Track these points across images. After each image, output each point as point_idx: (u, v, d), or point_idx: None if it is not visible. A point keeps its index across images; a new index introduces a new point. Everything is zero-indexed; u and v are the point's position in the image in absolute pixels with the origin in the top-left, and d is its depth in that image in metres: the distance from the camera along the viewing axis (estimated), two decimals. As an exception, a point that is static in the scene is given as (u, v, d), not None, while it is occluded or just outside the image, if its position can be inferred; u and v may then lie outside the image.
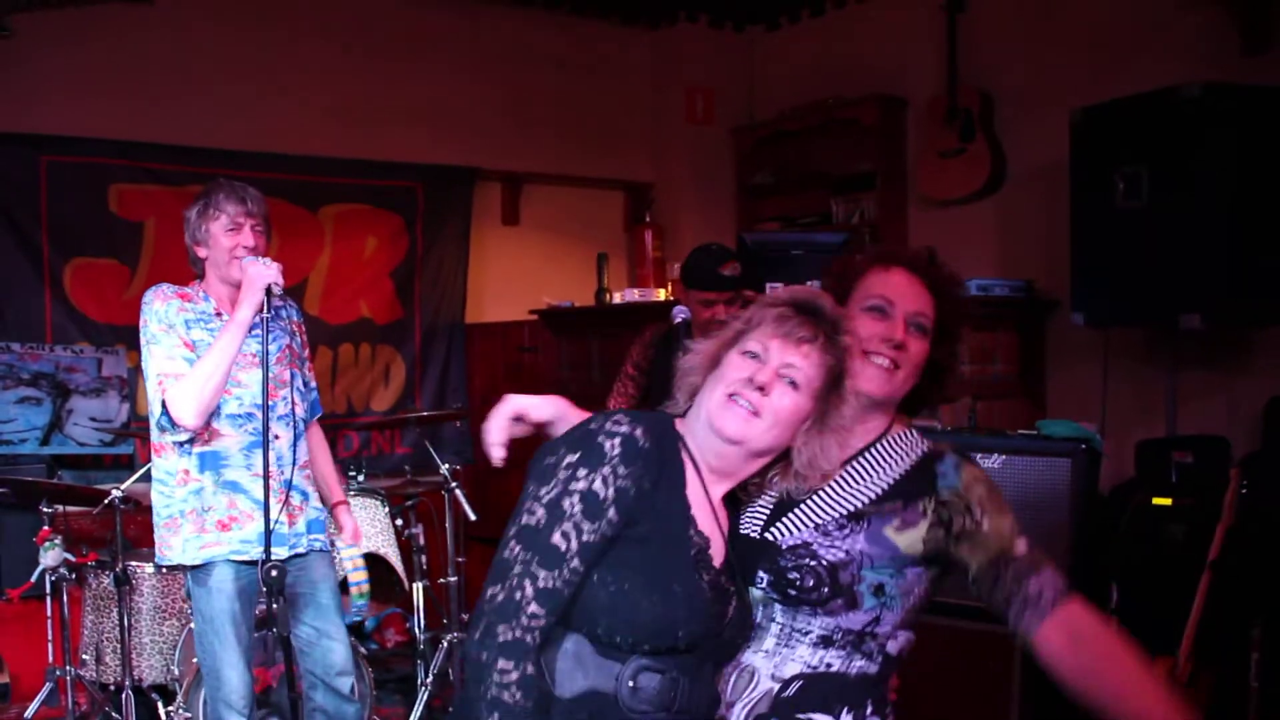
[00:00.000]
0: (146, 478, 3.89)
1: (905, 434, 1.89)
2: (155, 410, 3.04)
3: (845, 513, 1.79)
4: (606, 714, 1.62)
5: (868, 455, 1.85)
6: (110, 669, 4.12)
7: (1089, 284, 4.52)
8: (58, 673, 4.07)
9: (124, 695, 3.97)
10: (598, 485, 1.62)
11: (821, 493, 1.80)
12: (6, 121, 5.19)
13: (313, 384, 3.47)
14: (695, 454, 1.73)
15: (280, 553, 3.07)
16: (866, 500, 1.80)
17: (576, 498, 1.61)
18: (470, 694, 1.59)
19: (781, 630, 1.78)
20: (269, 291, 3.00)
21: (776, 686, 1.76)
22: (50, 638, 4.16)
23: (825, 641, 1.77)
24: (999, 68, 5.63)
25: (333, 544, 3.43)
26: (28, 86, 5.27)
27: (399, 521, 4.81)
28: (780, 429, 1.70)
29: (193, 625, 3.53)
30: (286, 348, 3.28)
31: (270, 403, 3.10)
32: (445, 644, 4.58)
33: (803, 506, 1.80)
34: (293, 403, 3.24)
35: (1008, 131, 5.63)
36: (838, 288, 1.92)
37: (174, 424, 3.00)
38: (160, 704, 4.10)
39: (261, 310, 2.99)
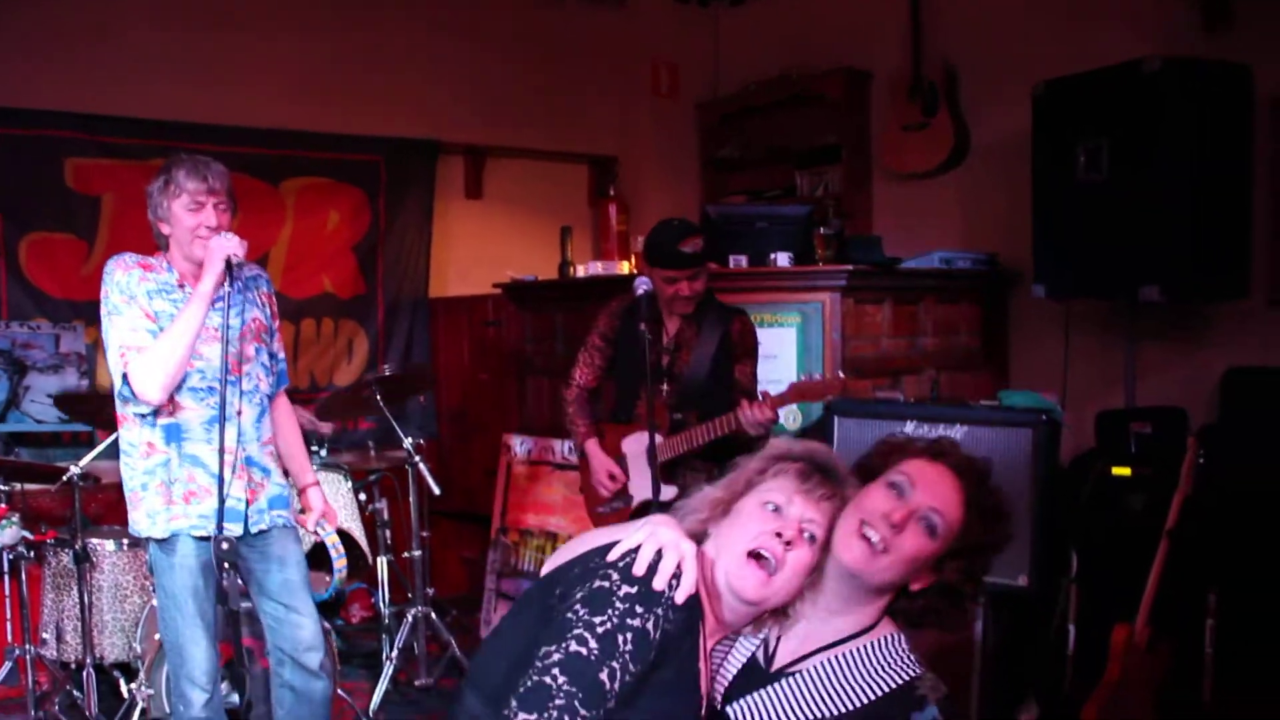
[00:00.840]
0: (106, 455, 3.85)
1: (897, 646, 1.79)
2: (117, 382, 3.02)
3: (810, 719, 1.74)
4: None
5: (851, 654, 1.77)
6: (71, 647, 4.09)
7: (1050, 257, 4.57)
8: (17, 651, 4.02)
9: (85, 673, 3.96)
10: (650, 626, 1.60)
11: (793, 682, 1.76)
12: (-43, 93, 5.08)
13: (280, 355, 3.43)
14: (705, 603, 1.73)
15: (235, 529, 3.05)
16: (833, 714, 1.73)
17: (630, 635, 1.58)
18: None
19: None
20: (229, 263, 2.97)
21: None
22: (9, 616, 4.11)
23: None
24: (963, 41, 5.64)
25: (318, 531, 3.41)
26: (-22, 57, 5.16)
27: (362, 496, 4.80)
28: (796, 582, 1.73)
29: (155, 601, 3.50)
30: (254, 320, 3.25)
31: (234, 378, 3.07)
32: (410, 618, 4.58)
33: (772, 693, 1.75)
34: (258, 379, 3.22)
35: (971, 105, 5.65)
36: (877, 463, 1.84)
37: (135, 396, 2.98)
38: (123, 681, 4.08)
39: (223, 282, 2.96)
